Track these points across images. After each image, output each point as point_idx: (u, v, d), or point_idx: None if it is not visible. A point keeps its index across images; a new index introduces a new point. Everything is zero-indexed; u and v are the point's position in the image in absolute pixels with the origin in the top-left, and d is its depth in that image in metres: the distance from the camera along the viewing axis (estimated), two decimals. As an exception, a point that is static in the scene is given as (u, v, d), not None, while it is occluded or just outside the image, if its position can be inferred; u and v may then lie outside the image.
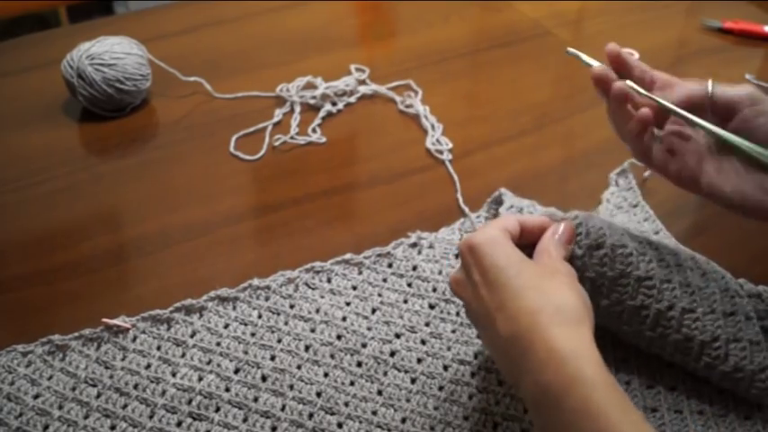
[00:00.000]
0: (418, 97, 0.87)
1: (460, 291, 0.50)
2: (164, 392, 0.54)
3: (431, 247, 0.66)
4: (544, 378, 0.41)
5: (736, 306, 0.54)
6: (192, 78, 0.87)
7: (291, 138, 0.81)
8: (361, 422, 0.53)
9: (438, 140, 0.80)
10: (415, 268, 0.65)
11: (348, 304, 0.61)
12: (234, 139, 0.80)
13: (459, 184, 0.74)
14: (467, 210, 0.71)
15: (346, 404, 0.54)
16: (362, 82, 0.89)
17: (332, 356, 0.57)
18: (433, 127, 0.82)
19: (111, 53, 0.80)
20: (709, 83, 0.54)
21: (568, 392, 0.40)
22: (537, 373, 0.42)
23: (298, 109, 0.84)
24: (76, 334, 0.57)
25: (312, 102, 0.85)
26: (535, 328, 0.43)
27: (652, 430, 0.40)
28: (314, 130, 0.82)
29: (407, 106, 0.85)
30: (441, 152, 0.79)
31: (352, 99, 0.87)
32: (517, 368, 0.44)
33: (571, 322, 0.44)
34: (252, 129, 0.82)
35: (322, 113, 0.84)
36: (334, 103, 0.85)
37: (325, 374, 0.56)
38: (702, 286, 0.54)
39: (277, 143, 0.80)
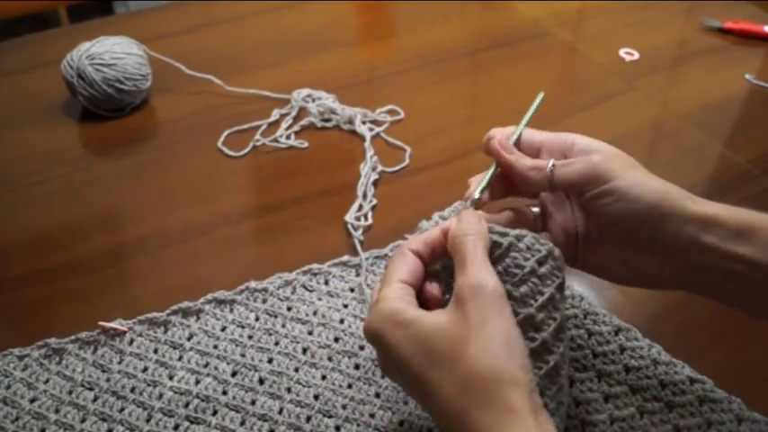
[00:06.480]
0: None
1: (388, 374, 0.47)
2: (161, 396, 0.54)
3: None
4: None
5: None
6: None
7: (288, 137, 0.80)
8: (359, 425, 0.53)
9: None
10: (413, 270, 0.64)
11: (346, 306, 0.61)
12: (223, 136, 0.80)
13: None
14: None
15: (344, 407, 0.54)
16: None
17: (329, 359, 0.57)
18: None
19: (111, 53, 0.80)
20: (550, 163, 0.50)
21: None
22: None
23: (296, 113, 0.84)
24: (73, 337, 0.57)
25: (313, 111, 0.84)
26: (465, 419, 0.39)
27: None
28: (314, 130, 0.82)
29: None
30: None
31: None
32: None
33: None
34: (246, 125, 0.82)
35: (319, 123, 0.84)
36: (328, 120, 0.84)
37: (323, 377, 0.56)
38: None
39: (276, 143, 0.80)
